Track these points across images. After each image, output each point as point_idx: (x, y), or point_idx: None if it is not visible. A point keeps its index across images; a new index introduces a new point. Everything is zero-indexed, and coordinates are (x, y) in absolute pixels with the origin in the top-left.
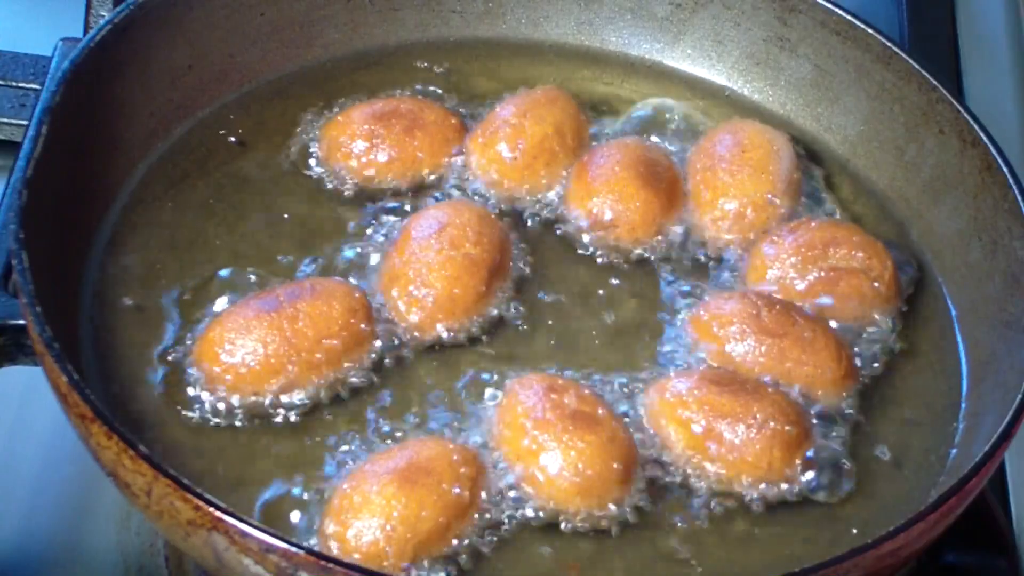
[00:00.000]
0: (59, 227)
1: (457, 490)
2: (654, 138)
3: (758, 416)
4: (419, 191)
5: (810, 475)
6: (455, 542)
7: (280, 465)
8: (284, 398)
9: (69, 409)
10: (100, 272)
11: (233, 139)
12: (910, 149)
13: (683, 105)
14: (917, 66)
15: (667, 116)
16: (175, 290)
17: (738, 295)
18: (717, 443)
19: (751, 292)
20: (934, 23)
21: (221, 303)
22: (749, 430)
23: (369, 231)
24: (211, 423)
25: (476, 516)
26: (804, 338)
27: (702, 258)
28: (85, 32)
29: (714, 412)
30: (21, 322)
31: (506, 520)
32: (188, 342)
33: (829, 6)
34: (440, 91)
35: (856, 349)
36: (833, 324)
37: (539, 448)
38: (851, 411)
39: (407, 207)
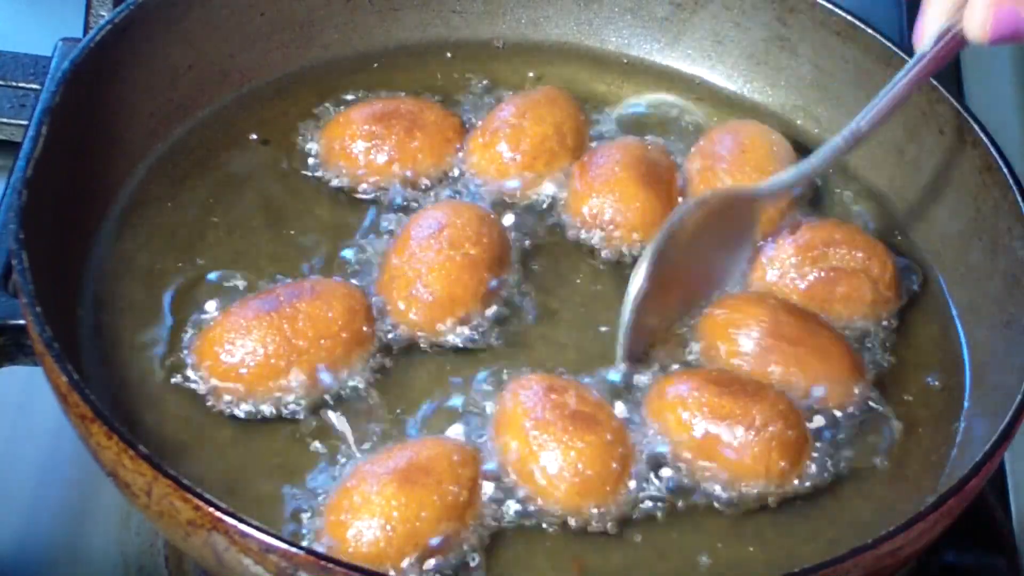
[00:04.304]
0: (59, 227)
1: (457, 490)
2: (653, 138)
3: (757, 420)
4: (419, 191)
5: (810, 476)
6: (455, 542)
7: (280, 465)
8: (284, 398)
9: (69, 409)
10: (100, 272)
11: (249, 139)
12: (910, 149)
13: (680, 100)
14: None
15: (665, 113)
16: (175, 290)
17: (756, 298)
18: (716, 445)
19: (768, 296)
20: None
21: (221, 303)
22: (748, 433)
23: (369, 231)
24: (211, 423)
25: (476, 516)
26: (821, 348)
27: None
28: (85, 32)
29: (714, 414)
30: (21, 322)
31: (506, 520)
32: (188, 342)
33: (829, 6)
34: (440, 91)
35: (856, 349)
36: (833, 324)
37: (539, 448)
38: (854, 412)
39: (407, 207)
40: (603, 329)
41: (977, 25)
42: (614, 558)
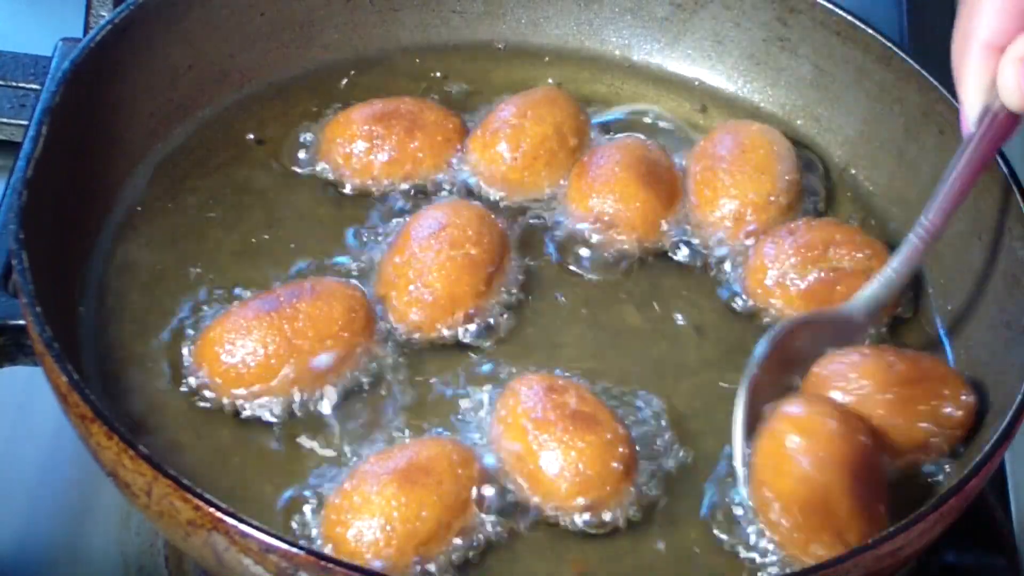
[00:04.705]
0: (59, 227)
1: (457, 490)
2: (653, 138)
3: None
4: (419, 191)
5: None
6: (455, 542)
7: (280, 465)
8: (283, 398)
9: (69, 409)
10: (100, 272)
11: (249, 139)
12: (910, 149)
13: (679, 101)
14: (917, 66)
15: (664, 113)
16: (175, 290)
17: (868, 352)
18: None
19: (879, 349)
20: (934, 23)
21: (221, 303)
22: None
23: (369, 231)
24: (211, 423)
25: (476, 516)
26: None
27: (702, 259)
28: (85, 32)
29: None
30: (21, 322)
31: (506, 520)
32: (188, 342)
33: (829, 6)
34: (440, 91)
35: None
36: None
37: (539, 448)
38: None
39: (407, 207)
40: (603, 330)
41: (1011, 91)
42: (615, 558)
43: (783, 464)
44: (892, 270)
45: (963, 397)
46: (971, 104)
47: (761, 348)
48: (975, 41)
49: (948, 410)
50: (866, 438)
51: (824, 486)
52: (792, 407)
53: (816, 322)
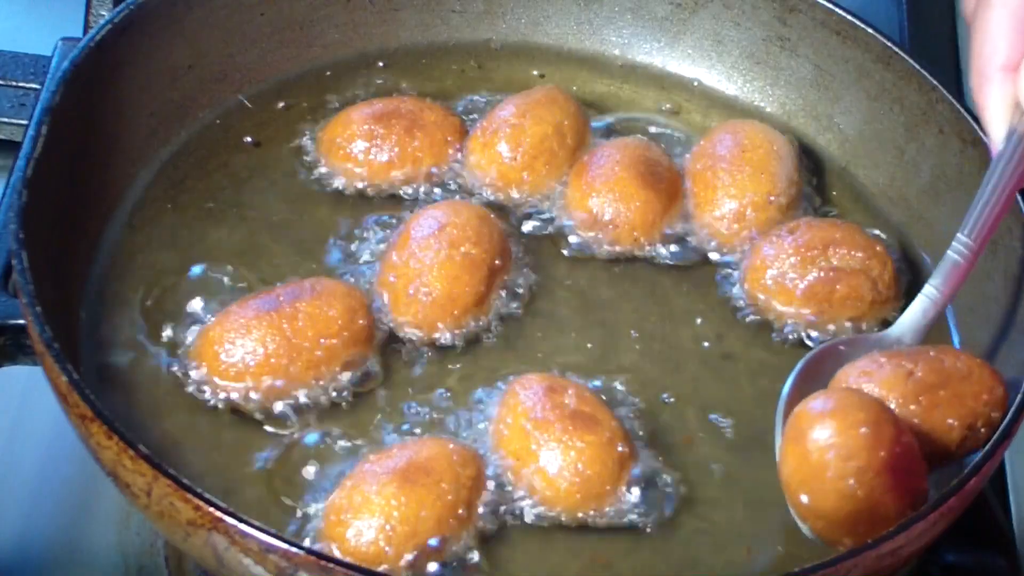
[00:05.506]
0: (59, 227)
1: (457, 490)
2: (653, 138)
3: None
4: (418, 191)
5: None
6: (454, 542)
7: (280, 464)
8: (283, 398)
9: (69, 409)
10: (100, 272)
11: (249, 139)
12: (910, 149)
13: (679, 100)
14: (917, 66)
15: (665, 113)
16: (175, 290)
17: (884, 362)
18: None
19: (896, 356)
20: (934, 23)
21: (221, 304)
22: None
23: (369, 231)
24: (211, 422)
25: (476, 516)
26: (960, 372)
27: (702, 258)
28: (85, 32)
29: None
30: (21, 322)
31: (506, 520)
32: (188, 342)
33: (829, 6)
34: (440, 91)
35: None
36: (832, 326)
37: (539, 448)
38: None
39: (407, 207)
40: (603, 329)
41: None
42: (615, 558)
43: (811, 457)
44: (935, 289)
45: (994, 390)
46: (997, 130)
47: (798, 367)
48: (991, 67)
49: (981, 408)
50: (896, 420)
51: (857, 471)
52: (816, 402)
53: (859, 343)
